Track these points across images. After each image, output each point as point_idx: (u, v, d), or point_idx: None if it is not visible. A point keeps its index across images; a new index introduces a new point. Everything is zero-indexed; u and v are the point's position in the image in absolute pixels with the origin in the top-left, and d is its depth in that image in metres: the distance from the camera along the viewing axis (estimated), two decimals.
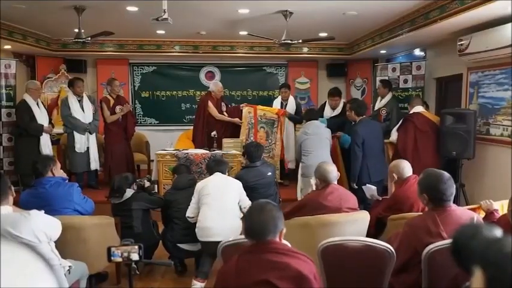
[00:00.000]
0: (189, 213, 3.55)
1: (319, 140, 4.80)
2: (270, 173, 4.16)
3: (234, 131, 6.06)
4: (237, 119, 6.03)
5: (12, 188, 2.45)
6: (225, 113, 6.11)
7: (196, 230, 3.47)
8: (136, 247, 1.82)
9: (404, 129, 5.02)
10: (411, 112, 5.09)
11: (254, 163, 4.12)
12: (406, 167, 3.40)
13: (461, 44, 4.75)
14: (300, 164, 4.84)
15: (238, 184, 3.65)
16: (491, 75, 4.63)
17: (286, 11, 4.99)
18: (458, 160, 4.71)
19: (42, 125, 5.63)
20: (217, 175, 3.63)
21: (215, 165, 3.71)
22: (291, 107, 6.22)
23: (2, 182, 2.34)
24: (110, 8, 4.91)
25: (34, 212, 2.35)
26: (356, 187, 4.42)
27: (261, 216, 1.79)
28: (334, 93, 5.94)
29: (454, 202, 2.48)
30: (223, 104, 6.18)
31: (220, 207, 3.42)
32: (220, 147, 5.66)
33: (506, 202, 2.68)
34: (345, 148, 5.09)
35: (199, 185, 3.59)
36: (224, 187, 3.54)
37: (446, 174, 2.42)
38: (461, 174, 4.71)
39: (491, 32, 4.27)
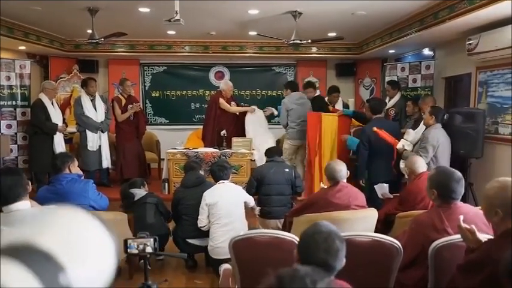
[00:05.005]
0: (201, 223, 3.64)
1: (304, 110, 5.69)
2: (287, 170, 4.27)
3: (243, 130, 6.13)
4: (249, 108, 6.15)
5: (29, 182, 2.50)
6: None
7: (209, 247, 3.60)
8: (152, 240, 1.90)
9: None
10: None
11: (273, 158, 4.35)
12: (419, 163, 3.49)
13: (470, 43, 4.77)
14: (288, 130, 5.82)
15: (241, 193, 3.80)
16: (500, 74, 4.64)
17: (296, 11, 5.05)
18: (466, 159, 4.73)
19: (57, 124, 5.76)
20: (222, 187, 3.69)
21: (218, 171, 3.76)
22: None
23: (22, 177, 2.40)
24: (122, 9, 5.01)
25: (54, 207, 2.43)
26: (363, 184, 4.48)
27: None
28: (306, 85, 6.33)
29: (462, 201, 2.52)
30: (232, 103, 6.24)
31: (230, 224, 3.53)
32: (229, 146, 5.74)
33: None
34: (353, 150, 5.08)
35: (207, 198, 3.61)
36: (231, 203, 3.61)
37: (458, 173, 2.44)
38: (469, 174, 4.72)
39: (500, 31, 4.28)
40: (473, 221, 2.17)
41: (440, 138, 4.30)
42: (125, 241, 1.88)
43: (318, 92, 6.37)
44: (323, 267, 1.44)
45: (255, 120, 6.01)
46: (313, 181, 5.33)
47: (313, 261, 1.45)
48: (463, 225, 2.03)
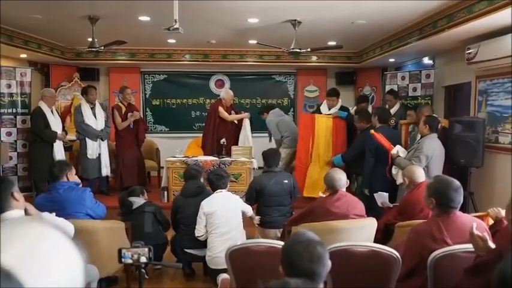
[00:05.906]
0: (198, 233, 3.60)
1: (289, 119, 6.65)
2: (286, 181, 4.17)
3: None
4: (244, 114, 6.16)
5: (18, 192, 2.29)
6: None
7: (207, 257, 3.56)
8: (146, 249, 1.87)
9: None
10: None
11: (272, 168, 4.22)
12: (418, 173, 3.45)
13: (469, 52, 4.77)
14: (284, 140, 6.13)
15: (238, 202, 3.75)
16: (499, 83, 4.63)
17: (295, 20, 5.06)
18: (467, 168, 4.71)
19: (56, 132, 5.76)
20: (220, 196, 3.65)
21: (216, 180, 3.71)
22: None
23: (13, 185, 2.32)
24: (122, 17, 5.03)
25: (46, 214, 2.43)
26: (368, 194, 4.47)
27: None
28: (331, 93, 6.16)
29: (462, 210, 2.50)
30: (233, 112, 6.25)
31: (228, 234, 3.49)
32: (229, 154, 5.73)
33: None
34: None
35: (205, 207, 3.58)
36: (229, 212, 3.58)
37: (457, 182, 2.43)
38: (470, 183, 4.69)
39: (499, 41, 4.29)
40: None
41: (436, 150, 4.22)
42: (119, 251, 1.87)
43: (340, 102, 6.06)
44: (309, 276, 1.42)
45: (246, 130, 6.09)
46: (301, 181, 5.43)
47: (298, 272, 1.43)
48: (476, 232, 2.01)
